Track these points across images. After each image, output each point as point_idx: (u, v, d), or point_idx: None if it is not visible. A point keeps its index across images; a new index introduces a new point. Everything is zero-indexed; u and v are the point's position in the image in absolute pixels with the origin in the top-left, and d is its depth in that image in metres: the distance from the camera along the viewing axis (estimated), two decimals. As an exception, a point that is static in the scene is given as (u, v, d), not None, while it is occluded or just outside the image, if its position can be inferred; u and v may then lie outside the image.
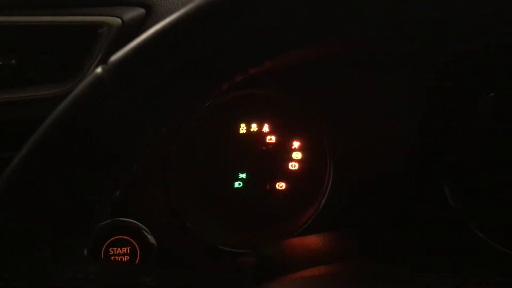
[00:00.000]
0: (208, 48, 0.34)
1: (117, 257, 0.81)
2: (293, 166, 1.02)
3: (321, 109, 0.96)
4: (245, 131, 1.01)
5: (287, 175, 1.02)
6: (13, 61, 0.73)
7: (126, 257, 0.81)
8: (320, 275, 0.58)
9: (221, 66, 0.35)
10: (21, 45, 0.75)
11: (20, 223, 0.35)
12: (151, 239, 0.83)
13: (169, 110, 0.36)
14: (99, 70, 0.36)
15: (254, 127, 1.01)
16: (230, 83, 0.36)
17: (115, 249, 0.81)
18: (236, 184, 1.03)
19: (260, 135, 1.01)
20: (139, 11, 0.79)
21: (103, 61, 0.73)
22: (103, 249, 0.81)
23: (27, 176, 0.35)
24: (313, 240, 0.74)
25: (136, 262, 0.82)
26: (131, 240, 0.81)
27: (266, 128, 1.01)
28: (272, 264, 0.63)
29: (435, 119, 0.93)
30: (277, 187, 1.02)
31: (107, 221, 0.81)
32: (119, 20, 0.74)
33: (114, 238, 0.81)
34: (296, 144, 1.01)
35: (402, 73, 0.92)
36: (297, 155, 1.01)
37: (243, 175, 1.02)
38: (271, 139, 1.01)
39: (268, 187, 1.02)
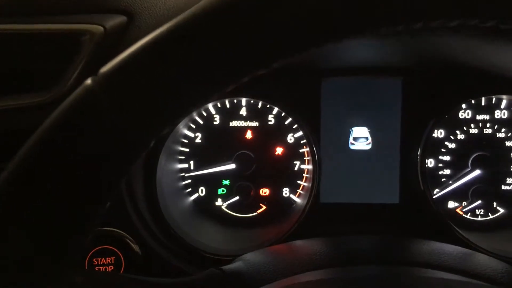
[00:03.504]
0: (197, 59, 0.34)
1: (101, 267, 0.80)
2: (276, 173, 1.02)
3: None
4: (231, 136, 1.01)
5: (270, 183, 1.03)
6: (-7, 70, 0.72)
7: (111, 267, 0.80)
8: (305, 281, 0.58)
9: (210, 77, 0.35)
10: (2, 53, 0.73)
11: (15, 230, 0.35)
12: (136, 247, 0.82)
13: (158, 120, 0.36)
14: (89, 81, 0.36)
15: (241, 131, 1.01)
16: (221, 91, 0.36)
17: (99, 259, 0.80)
18: (220, 191, 1.03)
19: (245, 140, 1.01)
20: (121, 19, 0.78)
21: (86, 68, 0.73)
22: (87, 259, 0.80)
23: (21, 184, 0.35)
24: (297, 246, 0.74)
25: (121, 271, 0.81)
26: (115, 249, 0.81)
27: (249, 134, 1.01)
28: (256, 271, 0.63)
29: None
30: (260, 193, 1.03)
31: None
32: (101, 28, 0.74)
33: (98, 248, 0.80)
34: (279, 150, 1.02)
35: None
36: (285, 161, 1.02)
37: (226, 182, 1.03)
38: (257, 143, 1.02)
39: (252, 193, 1.02)
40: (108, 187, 0.36)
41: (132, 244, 0.82)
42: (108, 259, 0.80)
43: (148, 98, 0.35)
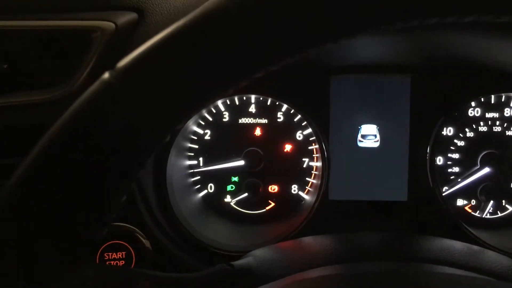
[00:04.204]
0: (214, 54, 0.35)
1: (112, 261, 0.81)
2: (285, 170, 1.03)
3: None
4: (240, 132, 1.02)
5: (279, 179, 1.03)
6: (5, 66, 0.73)
7: (122, 262, 0.81)
8: (315, 276, 0.58)
9: (228, 70, 0.35)
10: (14, 49, 0.74)
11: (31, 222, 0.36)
12: (146, 243, 0.83)
13: (173, 113, 0.36)
14: (106, 75, 0.36)
15: (256, 130, 1.01)
16: (236, 87, 0.37)
17: (110, 253, 0.81)
18: (229, 188, 1.03)
19: (253, 137, 1.02)
20: (132, 16, 0.79)
21: (98, 65, 0.74)
22: (98, 254, 0.80)
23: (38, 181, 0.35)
24: (306, 243, 0.74)
25: (132, 266, 0.81)
26: (126, 244, 0.81)
27: (258, 131, 1.01)
28: (266, 267, 0.63)
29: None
30: (269, 190, 1.03)
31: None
32: (112, 25, 0.74)
33: (109, 243, 0.81)
34: (288, 147, 1.02)
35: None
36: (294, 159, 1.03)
37: (235, 178, 1.03)
38: (266, 140, 1.02)
39: (260, 190, 1.02)
40: (125, 179, 0.37)
41: (142, 239, 0.82)
42: (119, 254, 0.81)
43: (164, 93, 0.36)
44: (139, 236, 0.82)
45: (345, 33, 0.35)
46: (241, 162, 1.01)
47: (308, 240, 0.75)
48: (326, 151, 0.95)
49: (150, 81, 0.35)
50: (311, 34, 0.35)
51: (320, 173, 0.99)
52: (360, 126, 1.00)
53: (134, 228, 0.83)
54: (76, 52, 0.74)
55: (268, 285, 0.57)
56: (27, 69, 0.74)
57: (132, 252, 0.81)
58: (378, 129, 1.00)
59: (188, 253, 0.88)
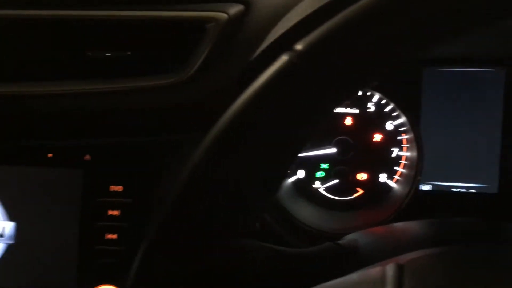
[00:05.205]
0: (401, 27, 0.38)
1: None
2: (374, 159, 1.05)
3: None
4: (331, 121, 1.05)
5: (367, 168, 1.06)
6: (128, 53, 0.79)
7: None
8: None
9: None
10: (136, 38, 0.80)
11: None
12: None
13: (345, 89, 0.40)
14: (285, 56, 0.40)
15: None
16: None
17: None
18: (318, 174, 1.07)
19: (344, 126, 1.05)
20: (239, 7, 0.83)
21: (212, 54, 0.79)
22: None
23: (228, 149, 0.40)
24: (404, 227, 0.76)
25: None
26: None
27: (349, 120, 1.04)
28: (372, 247, 0.66)
29: None
30: (358, 177, 1.06)
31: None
32: (225, 16, 0.79)
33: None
34: (378, 136, 1.04)
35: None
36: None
37: (325, 166, 1.06)
38: (356, 129, 1.05)
39: (350, 177, 1.05)
40: (297, 150, 0.41)
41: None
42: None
43: (341, 70, 0.39)
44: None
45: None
46: (333, 150, 1.04)
47: (403, 225, 0.77)
48: (419, 141, 0.97)
49: (333, 57, 0.39)
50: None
51: (410, 163, 1.01)
52: (451, 117, 1.01)
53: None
54: (191, 41, 0.79)
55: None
56: (146, 56, 0.80)
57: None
58: (470, 122, 1.00)
59: (288, 231, 0.93)
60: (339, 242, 0.66)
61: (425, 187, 1.01)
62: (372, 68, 0.39)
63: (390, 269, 0.40)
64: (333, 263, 0.63)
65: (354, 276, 0.43)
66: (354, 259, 0.63)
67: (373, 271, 0.42)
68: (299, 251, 0.62)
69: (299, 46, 0.40)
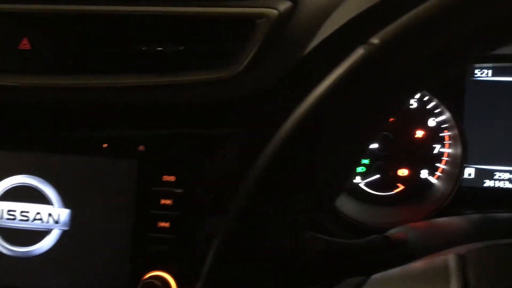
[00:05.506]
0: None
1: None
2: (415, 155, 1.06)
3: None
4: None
5: (408, 164, 1.06)
6: (181, 48, 0.82)
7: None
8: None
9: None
10: (188, 33, 0.82)
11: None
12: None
13: (418, 82, 0.41)
14: (361, 50, 0.42)
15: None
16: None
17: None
18: (359, 169, 1.08)
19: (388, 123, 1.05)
20: (288, 4, 0.85)
21: (262, 49, 0.80)
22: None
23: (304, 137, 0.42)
24: (450, 222, 0.77)
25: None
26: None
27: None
28: (419, 240, 0.67)
29: None
30: (398, 173, 1.06)
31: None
32: (275, 12, 0.80)
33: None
34: (419, 133, 1.05)
35: None
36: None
37: (365, 161, 1.07)
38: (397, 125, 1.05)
39: (391, 173, 1.06)
40: (368, 141, 0.42)
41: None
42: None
43: (416, 65, 0.40)
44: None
45: None
46: (375, 145, 1.05)
47: (450, 219, 0.77)
48: (464, 139, 0.97)
49: (410, 50, 0.40)
50: None
51: (452, 159, 1.01)
52: (495, 116, 1.01)
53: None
54: (241, 36, 0.81)
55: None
56: (198, 51, 0.83)
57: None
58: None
59: (334, 224, 0.95)
60: (387, 234, 0.67)
61: (468, 183, 1.01)
62: (446, 62, 0.40)
63: (451, 259, 0.41)
64: (383, 255, 0.64)
65: (417, 265, 0.44)
66: (403, 251, 0.64)
67: (434, 260, 0.43)
68: (350, 243, 0.63)
69: (375, 40, 0.41)
